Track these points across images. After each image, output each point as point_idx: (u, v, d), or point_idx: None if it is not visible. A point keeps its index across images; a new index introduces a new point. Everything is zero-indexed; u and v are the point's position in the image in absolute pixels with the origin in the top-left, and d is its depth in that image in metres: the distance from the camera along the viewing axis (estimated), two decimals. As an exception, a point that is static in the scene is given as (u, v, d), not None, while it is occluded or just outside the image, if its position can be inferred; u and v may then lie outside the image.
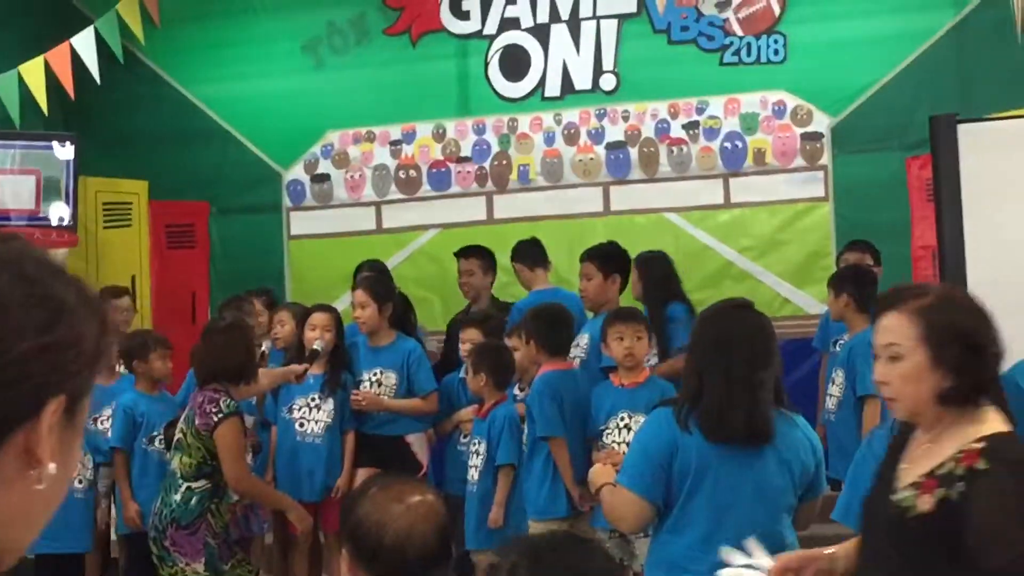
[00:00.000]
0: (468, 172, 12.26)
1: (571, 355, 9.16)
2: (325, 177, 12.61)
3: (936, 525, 3.57)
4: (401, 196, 12.41)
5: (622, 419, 7.73)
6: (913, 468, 3.75)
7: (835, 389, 8.82)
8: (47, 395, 1.55)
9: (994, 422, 3.65)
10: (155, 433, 8.69)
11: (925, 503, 3.60)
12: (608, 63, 11.90)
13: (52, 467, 1.57)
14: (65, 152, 11.42)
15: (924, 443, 3.77)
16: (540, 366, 8.11)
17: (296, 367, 8.49)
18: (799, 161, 11.51)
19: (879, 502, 3.84)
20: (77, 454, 1.66)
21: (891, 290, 3.93)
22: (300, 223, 12.70)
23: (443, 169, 12.33)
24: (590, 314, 9.30)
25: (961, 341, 3.64)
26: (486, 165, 12.22)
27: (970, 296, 3.89)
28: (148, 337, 9.02)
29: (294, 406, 8.83)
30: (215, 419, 7.18)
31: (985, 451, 3.56)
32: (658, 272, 9.31)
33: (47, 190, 11.37)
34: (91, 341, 1.61)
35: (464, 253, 10.51)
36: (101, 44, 11.44)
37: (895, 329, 3.74)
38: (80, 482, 9.05)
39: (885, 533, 3.77)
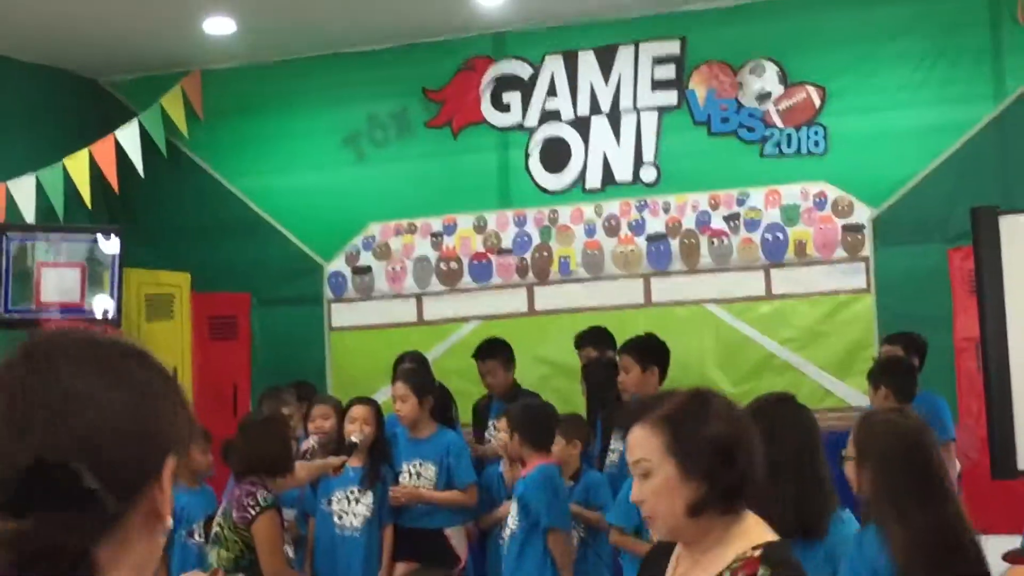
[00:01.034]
0: (509, 264, 12.28)
1: (612, 448, 9.16)
2: (366, 269, 12.65)
3: None
4: (442, 288, 12.43)
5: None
6: None
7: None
8: (165, 454, 1.77)
9: (759, 528, 3.49)
10: (194, 526, 8.68)
11: None
12: (649, 155, 11.93)
13: (169, 521, 1.79)
14: (109, 245, 11.50)
15: (691, 557, 3.57)
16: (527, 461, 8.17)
17: (334, 460, 8.50)
18: (840, 252, 11.48)
19: None
20: (168, 508, 1.82)
21: (636, 402, 3.76)
22: (341, 315, 12.72)
23: (484, 261, 12.35)
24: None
25: (709, 447, 3.44)
26: (527, 257, 12.23)
27: (720, 397, 3.65)
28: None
29: (333, 498, 8.81)
30: (252, 512, 7.16)
31: (764, 558, 3.38)
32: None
33: (91, 282, 11.43)
34: (181, 404, 1.83)
35: (482, 354, 10.48)
36: (145, 137, 11.57)
37: (641, 443, 3.52)
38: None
39: None
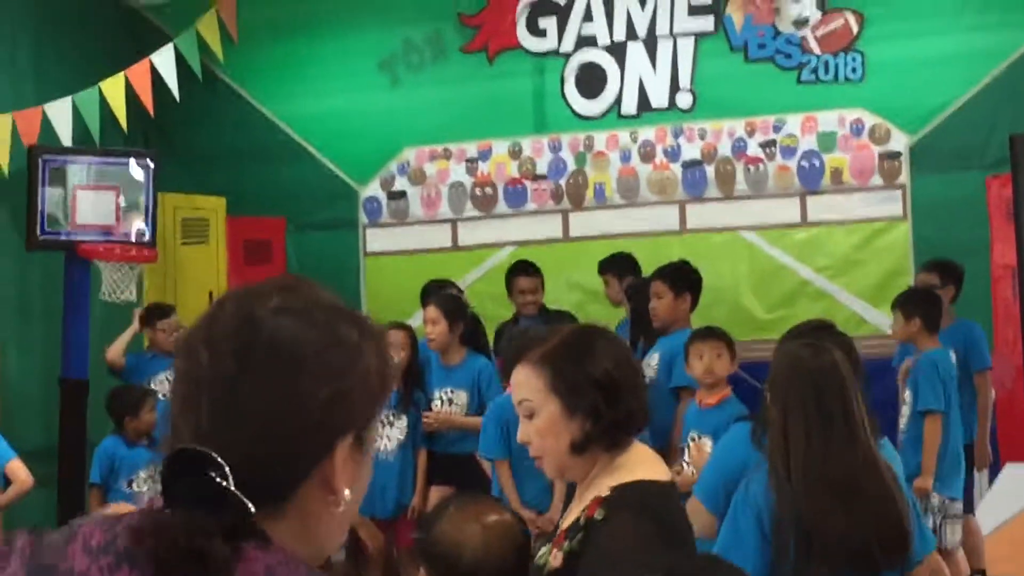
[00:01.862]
0: (544, 190, 12.25)
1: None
2: (401, 194, 12.65)
3: None
4: (477, 214, 12.43)
5: (692, 439, 7.74)
6: (564, 523, 3.53)
7: (905, 408, 8.80)
8: (341, 434, 1.83)
9: (639, 465, 3.44)
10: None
11: (556, 559, 3.40)
12: (685, 81, 11.86)
13: (347, 493, 1.83)
14: (145, 168, 11.52)
15: (579, 494, 3.54)
16: None
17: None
18: (877, 180, 11.41)
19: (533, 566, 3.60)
20: (367, 476, 1.93)
21: (518, 342, 3.72)
22: (376, 240, 12.73)
23: (519, 187, 12.33)
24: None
25: (592, 385, 3.40)
26: (562, 183, 12.20)
27: (606, 334, 3.62)
28: None
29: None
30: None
31: (607, 500, 3.34)
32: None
33: (127, 206, 11.46)
34: (375, 376, 1.87)
35: (526, 271, 10.52)
36: (180, 61, 11.54)
37: (523, 383, 3.50)
38: (150, 498, 9.12)
39: None
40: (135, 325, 11.07)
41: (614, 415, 3.40)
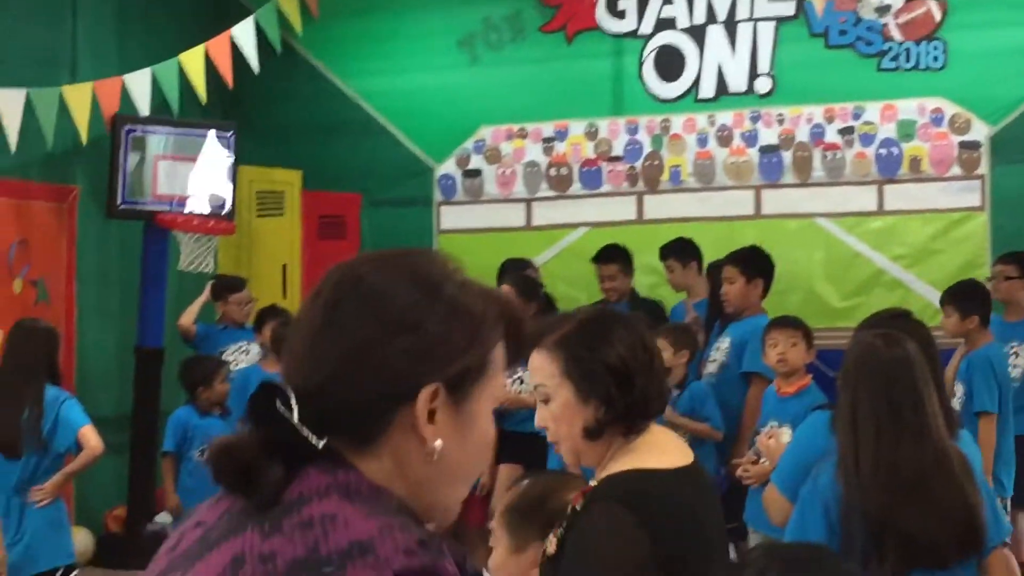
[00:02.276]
0: (619, 171, 12.24)
1: (711, 358, 9.16)
2: (477, 172, 12.67)
3: (556, 567, 3.33)
4: (552, 193, 12.42)
5: (770, 427, 7.72)
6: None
7: (955, 402, 8.71)
8: (418, 383, 1.87)
9: (649, 452, 3.38)
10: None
11: (551, 544, 3.39)
12: (764, 66, 11.81)
13: (438, 444, 1.89)
14: (223, 140, 11.60)
15: (595, 480, 3.48)
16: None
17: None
18: (956, 170, 11.32)
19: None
20: (478, 434, 1.97)
21: (536, 326, 3.70)
22: (450, 217, 12.76)
23: (594, 168, 12.32)
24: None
25: (605, 370, 3.37)
26: (638, 165, 12.18)
27: (619, 316, 3.59)
28: None
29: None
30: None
31: (590, 492, 3.33)
32: None
33: (205, 177, 11.55)
34: (464, 335, 1.91)
35: (604, 258, 10.54)
36: (260, 35, 11.59)
37: (539, 368, 3.47)
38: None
39: None
40: (205, 294, 11.16)
41: (627, 401, 3.37)
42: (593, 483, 3.36)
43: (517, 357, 2.05)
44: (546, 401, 3.46)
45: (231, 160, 11.70)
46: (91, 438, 7.65)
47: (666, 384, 3.53)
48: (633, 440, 3.41)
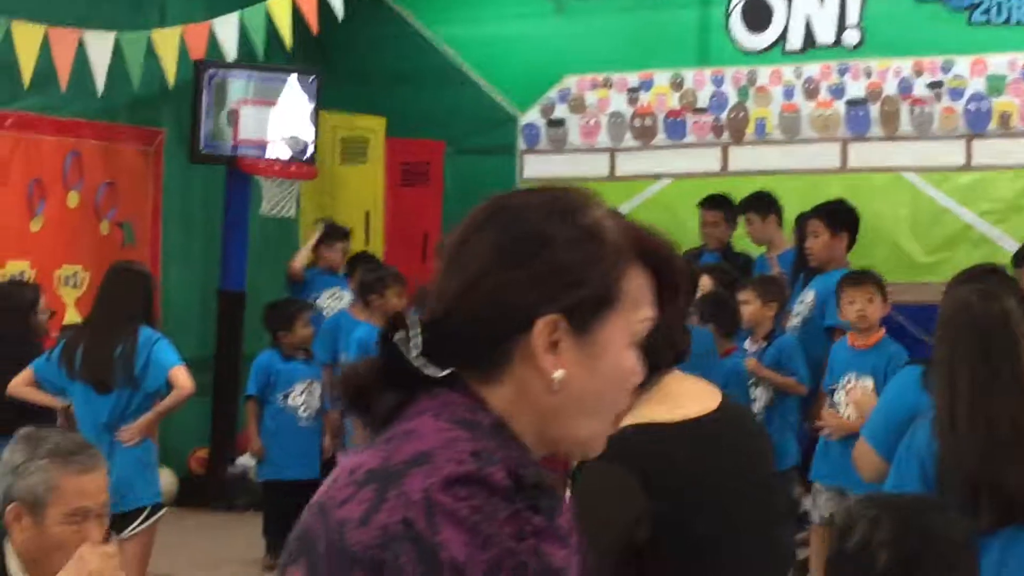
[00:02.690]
0: (704, 123, 12.17)
1: (795, 312, 9.14)
2: (560, 122, 12.63)
3: None
4: (636, 144, 12.38)
5: (848, 380, 7.70)
6: None
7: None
8: (535, 313, 1.88)
9: (660, 404, 3.24)
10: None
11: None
12: (853, 18, 11.69)
13: (559, 374, 1.89)
14: (308, 86, 11.63)
15: None
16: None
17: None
18: (1047, 125, 11.21)
19: None
20: (609, 365, 1.95)
21: None
22: (533, 166, 12.74)
23: (679, 119, 12.26)
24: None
25: None
26: (723, 116, 12.11)
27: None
28: (387, 273, 9.16)
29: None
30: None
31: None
32: None
33: (289, 123, 11.59)
34: (584, 265, 1.90)
35: (710, 204, 10.55)
36: (345, -20, 11.58)
37: None
38: (305, 411, 9.29)
39: None
40: (316, 237, 11.23)
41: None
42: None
43: (674, 295, 2.04)
44: None
45: (313, 106, 11.73)
46: (182, 378, 7.71)
47: (680, 332, 3.36)
48: (648, 391, 3.29)
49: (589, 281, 1.91)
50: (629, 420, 3.20)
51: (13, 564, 3.78)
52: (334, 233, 11.29)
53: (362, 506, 1.80)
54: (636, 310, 1.97)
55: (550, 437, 1.94)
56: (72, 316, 10.64)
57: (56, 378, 7.79)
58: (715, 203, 10.66)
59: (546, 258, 1.90)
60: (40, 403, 7.93)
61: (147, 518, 7.33)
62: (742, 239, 10.97)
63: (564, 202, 1.97)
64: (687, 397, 3.32)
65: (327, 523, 1.84)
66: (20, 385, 7.85)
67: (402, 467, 1.80)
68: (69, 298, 10.83)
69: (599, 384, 1.94)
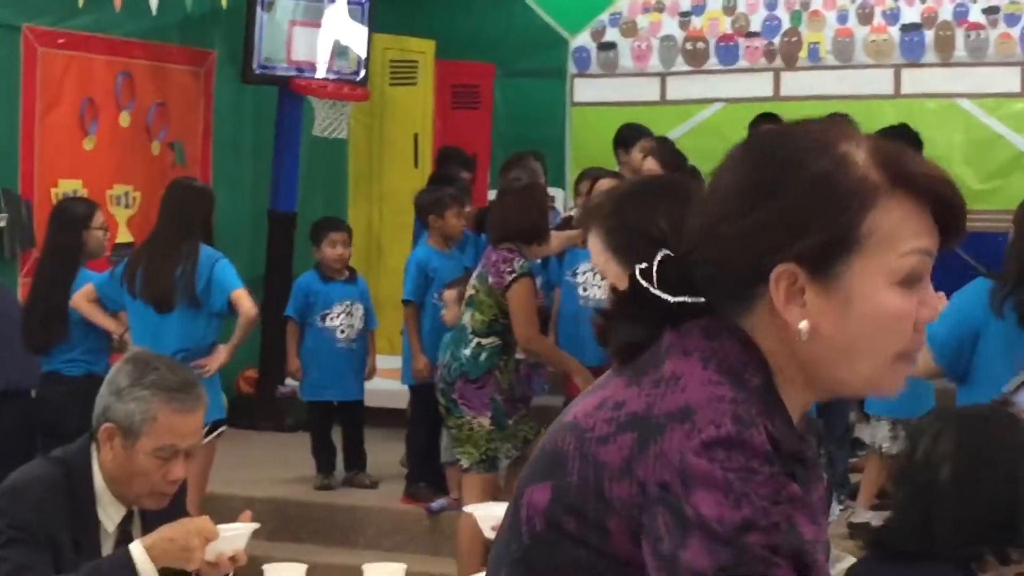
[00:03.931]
0: (757, 47, 12.10)
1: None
2: (612, 45, 12.57)
3: None
4: (687, 68, 12.32)
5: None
6: None
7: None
8: (770, 262, 1.82)
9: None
10: (443, 289, 8.81)
11: None
12: (909, -59, 11.61)
13: (803, 325, 1.82)
14: (360, 7, 11.59)
15: None
16: None
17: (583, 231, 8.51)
18: (1104, 52, 11.12)
19: None
20: (865, 309, 1.84)
21: (590, 204, 3.50)
22: (584, 90, 12.70)
23: (731, 43, 12.19)
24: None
25: (643, 238, 3.10)
26: (775, 41, 12.05)
27: (668, 182, 3.56)
28: (445, 194, 9.12)
29: (578, 270, 8.88)
30: (508, 278, 7.26)
31: None
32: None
33: (341, 44, 11.56)
34: (819, 207, 1.81)
35: (763, 122, 10.41)
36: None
37: (592, 247, 3.41)
38: (343, 332, 9.29)
39: None
40: None
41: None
42: None
43: (954, 232, 1.88)
44: (605, 278, 3.45)
45: (365, 27, 11.69)
46: (244, 301, 7.73)
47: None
48: None
49: (817, 225, 1.81)
50: None
51: (98, 480, 3.83)
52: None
53: (622, 453, 1.78)
54: (894, 245, 1.83)
55: (821, 383, 1.90)
56: (124, 235, 10.68)
57: (118, 295, 7.83)
58: (769, 121, 10.50)
59: (774, 204, 1.82)
60: (98, 323, 7.99)
61: (208, 432, 7.37)
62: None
63: (812, 138, 1.87)
64: None
65: (583, 455, 1.83)
66: (82, 300, 7.90)
67: (664, 420, 1.76)
68: (121, 217, 10.85)
69: (855, 329, 1.84)
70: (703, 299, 1.88)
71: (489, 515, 4.68)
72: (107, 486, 3.82)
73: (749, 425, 1.73)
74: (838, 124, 1.91)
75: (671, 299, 1.88)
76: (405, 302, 9.06)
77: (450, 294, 8.42)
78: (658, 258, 1.89)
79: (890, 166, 1.85)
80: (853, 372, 1.87)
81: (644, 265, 1.89)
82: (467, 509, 4.07)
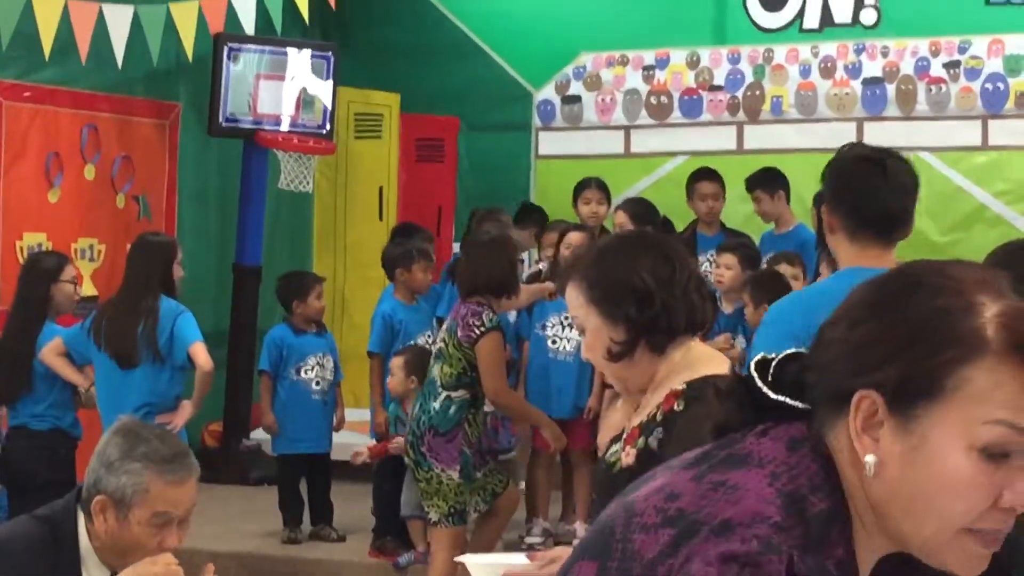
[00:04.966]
0: (720, 101, 12.18)
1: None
2: (576, 99, 12.62)
3: (636, 477, 3.32)
4: (651, 121, 12.38)
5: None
6: (633, 422, 3.45)
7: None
8: (853, 385, 1.75)
9: (702, 364, 3.34)
10: (411, 343, 8.84)
11: (628, 456, 3.37)
12: (870, -3, 11.72)
13: (870, 459, 1.74)
14: (325, 61, 11.61)
15: (645, 399, 3.46)
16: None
17: (551, 284, 8.55)
18: (1063, 106, 11.22)
19: (599, 464, 3.60)
20: (932, 468, 1.72)
21: (570, 259, 3.59)
22: (549, 143, 12.74)
23: (695, 96, 12.26)
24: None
25: (624, 289, 3.34)
26: (739, 95, 12.13)
27: (643, 236, 3.58)
28: (413, 248, 9.15)
29: (547, 323, 8.90)
30: (477, 332, 7.28)
31: (684, 393, 3.28)
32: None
33: (306, 97, 11.58)
34: (901, 339, 1.73)
35: (709, 176, 10.36)
36: (361, -44, 11.57)
37: (571, 299, 3.45)
38: (318, 384, 9.29)
39: (600, 494, 3.54)
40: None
41: (648, 318, 3.34)
42: (680, 387, 3.32)
43: None
44: (582, 332, 3.46)
45: (330, 81, 11.71)
46: (200, 354, 7.77)
47: (700, 299, 3.45)
48: (675, 356, 3.39)
49: (906, 357, 1.72)
50: (697, 374, 3.30)
51: (84, 540, 3.81)
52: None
53: (656, 547, 1.74)
54: (983, 408, 1.70)
55: (886, 530, 1.80)
56: (89, 289, 10.63)
57: (85, 349, 7.87)
58: (717, 176, 10.41)
59: (880, 324, 1.75)
60: (65, 376, 7.99)
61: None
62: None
63: (954, 276, 1.77)
64: (713, 358, 3.44)
65: (625, 540, 1.79)
66: (50, 354, 7.91)
67: (704, 526, 1.71)
68: (85, 271, 10.79)
69: (921, 482, 1.74)
70: (805, 404, 1.82)
71: (484, 563, 4.66)
72: (95, 551, 3.80)
73: (774, 552, 1.66)
74: (991, 275, 1.80)
75: (772, 396, 1.83)
76: (370, 354, 9.07)
77: (396, 361, 8.46)
78: (785, 353, 1.86)
79: (1016, 331, 1.71)
80: (914, 530, 1.76)
81: (768, 356, 1.86)
82: (461, 559, 4.08)
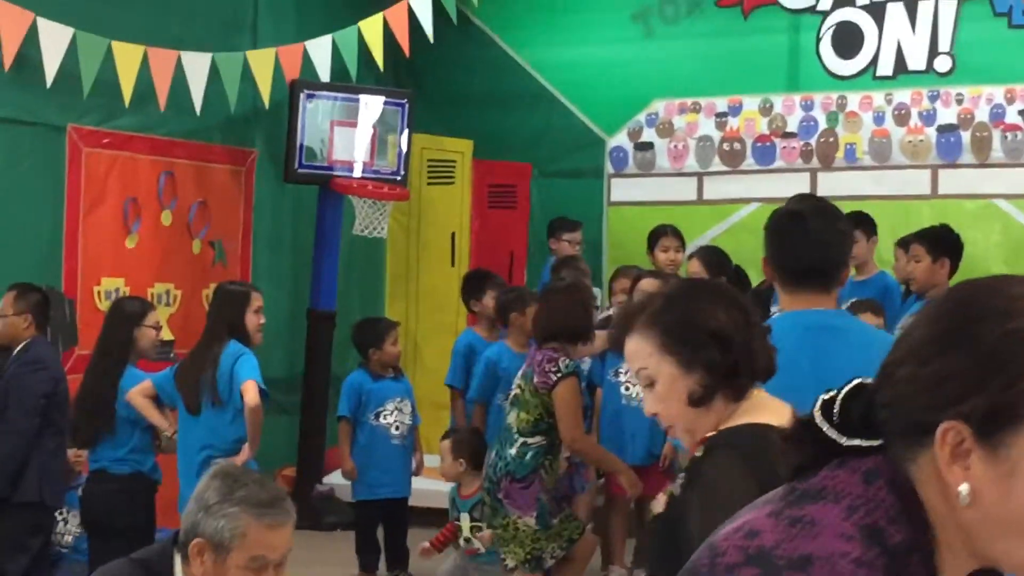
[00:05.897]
0: (793, 148, 12.18)
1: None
2: (649, 145, 12.66)
3: (667, 523, 3.30)
4: (724, 168, 12.40)
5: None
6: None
7: None
8: (943, 411, 1.71)
9: (755, 412, 3.28)
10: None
11: (659, 503, 3.36)
12: (944, 44, 11.67)
13: (963, 488, 1.71)
14: (400, 108, 11.69)
15: None
16: None
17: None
18: None
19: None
20: (1021, 487, 1.70)
21: (622, 314, 3.53)
22: (621, 190, 12.78)
23: (768, 143, 12.27)
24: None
25: (702, 333, 3.28)
26: (812, 141, 12.12)
27: (706, 283, 3.57)
28: (527, 292, 9.19)
29: (620, 369, 8.89)
30: (554, 378, 7.29)
31: (709, 439, 3.24)
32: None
33: (381, 144, 11.66)
34: (975, 375, 1.70)
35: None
36: (436, 4, 11.65)
37: (636, 352, 3.36)
38: (397, 428, 9.33)
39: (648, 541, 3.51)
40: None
41: (731, 361, 3.29)
42: (711, 433, 3.28)
43: None
44: (651, 385, 3.35)
45: (404, 127, 11.79)
46: (249, 392, 7.77)
47: (767, 346, 3.40)
48: (742, 404, 3.33)
49: (992, 387, 1.69)
50: (741, 420, 3.28)
51: None
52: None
53: None
54: None
55: (980, 553, 1.77)
56: (165, 333, 10.72)
57: (173, 391, 7.98)
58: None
59: (954, 357, 1.72)
60: (150, 419, 8.06)
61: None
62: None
63: (1012, 295, 1.75)
64: (768, 406, 3.34)
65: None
66: (137, 396, 8.00)
67: (784, 563, 1.71)
68: (162, 316, 10.88)
69: (1017, 506, 1.71)
70: (877, 442, 1.80)
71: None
72: None
73: None
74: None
75: (844, 442, 1.81)
76: (472, 401, 9.18)
77: (444, 445, 8.45)
78: (845, 390, 1.84)
79: None
80: (1009, 551, 1.75)
81: (828, 396, 1.84)
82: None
